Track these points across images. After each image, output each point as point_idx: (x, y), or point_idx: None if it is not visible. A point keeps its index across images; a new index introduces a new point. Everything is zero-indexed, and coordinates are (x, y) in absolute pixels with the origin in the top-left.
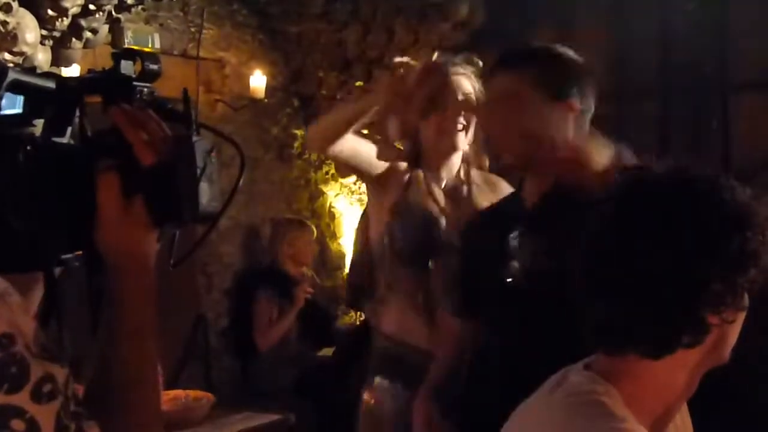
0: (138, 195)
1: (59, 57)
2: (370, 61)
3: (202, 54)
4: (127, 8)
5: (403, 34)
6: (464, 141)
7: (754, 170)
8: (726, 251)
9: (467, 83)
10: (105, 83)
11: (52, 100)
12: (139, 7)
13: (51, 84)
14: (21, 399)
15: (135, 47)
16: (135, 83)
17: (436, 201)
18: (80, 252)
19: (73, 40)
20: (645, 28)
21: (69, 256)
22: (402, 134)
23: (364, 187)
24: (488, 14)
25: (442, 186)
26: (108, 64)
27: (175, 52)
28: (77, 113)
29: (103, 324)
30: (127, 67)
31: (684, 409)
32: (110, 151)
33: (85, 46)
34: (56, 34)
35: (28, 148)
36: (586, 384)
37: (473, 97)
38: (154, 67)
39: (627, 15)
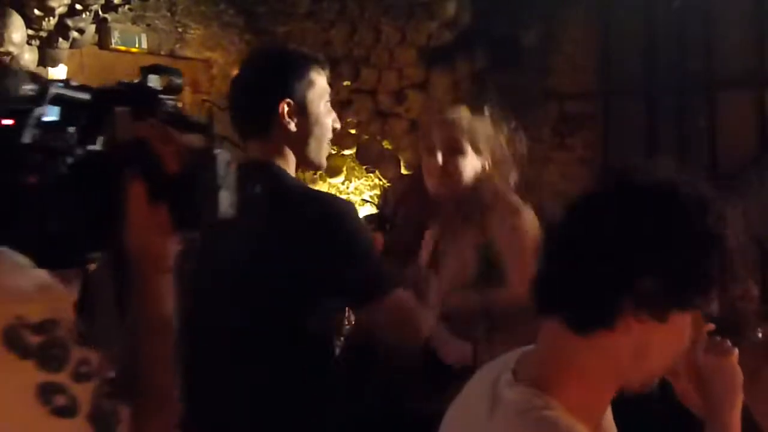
0: (162, 202)
1: (46, 57)
2: (358, 60)
3: (188, 54)
4: (114, 8)
5: (390, 33)
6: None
7: (740, 166)
8: (666, 254)
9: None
10: (134, 95)
11: (85, 110)
12: (126, 7)
13: (86, 96)
14: (63, 378)
15: (161, 64)
16: (161, 96)
17: None
18: (107, 251)
19: (60, 39)
20: (631, 27)
21: (97, 254)
22: None
23: (352, 187)
24: (475, 13)
25: None
26: (94, 64)
27: (162, 52)
28: (108, 123)
29: (130, 317)
30: (153, 80)
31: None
32: (138, 161)
33: (71, 46)
34: (43, 33)
35: (68, 159)
36: (524, 402)
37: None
38: (178, 81)
39: (613, 14)
